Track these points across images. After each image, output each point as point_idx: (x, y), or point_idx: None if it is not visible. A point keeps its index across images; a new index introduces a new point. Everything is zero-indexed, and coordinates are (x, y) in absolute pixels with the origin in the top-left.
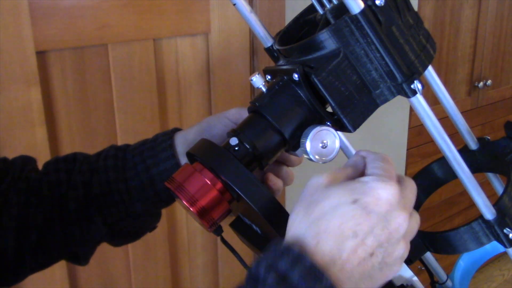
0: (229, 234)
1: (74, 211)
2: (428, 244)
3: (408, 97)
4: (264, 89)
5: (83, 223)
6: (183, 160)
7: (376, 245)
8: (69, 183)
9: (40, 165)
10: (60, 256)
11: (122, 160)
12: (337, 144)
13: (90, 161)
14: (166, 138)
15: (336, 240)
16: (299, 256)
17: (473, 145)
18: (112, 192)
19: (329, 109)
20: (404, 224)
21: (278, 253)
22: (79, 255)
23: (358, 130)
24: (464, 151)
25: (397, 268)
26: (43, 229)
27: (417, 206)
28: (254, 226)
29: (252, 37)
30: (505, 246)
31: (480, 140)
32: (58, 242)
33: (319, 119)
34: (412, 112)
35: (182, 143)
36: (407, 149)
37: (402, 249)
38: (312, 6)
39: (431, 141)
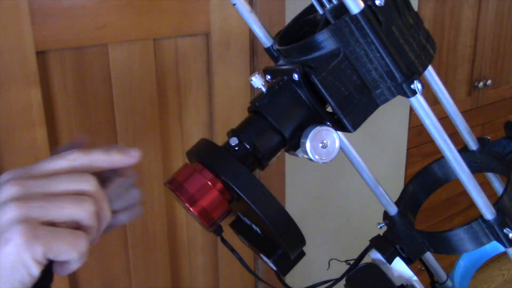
0: (229, 234)
1: None
2: (428, 244)
3: (408, 97)
4: (264, 89)
5: None
6: None
7: None
8: None
9: None
10: None
11: None
12: (337, 144)
13: None
14: None
15: None
16: None
17: (473, 145)
18: None
19: (329, 109)
20: None
21: None
22: None
23: (358, 130)
24: (464, 151)
25: (12, 236)
26: None
27: (417, 206)
28: (254, 226)
29: (252, 37)
30: (505, 246)
31: (480, 140)
32: None
33: (319, 119)
34: (412, 112)
35: None
36: (407, 149)
37: (8, 213)
38: (312, 6)
39: (431, 141)
